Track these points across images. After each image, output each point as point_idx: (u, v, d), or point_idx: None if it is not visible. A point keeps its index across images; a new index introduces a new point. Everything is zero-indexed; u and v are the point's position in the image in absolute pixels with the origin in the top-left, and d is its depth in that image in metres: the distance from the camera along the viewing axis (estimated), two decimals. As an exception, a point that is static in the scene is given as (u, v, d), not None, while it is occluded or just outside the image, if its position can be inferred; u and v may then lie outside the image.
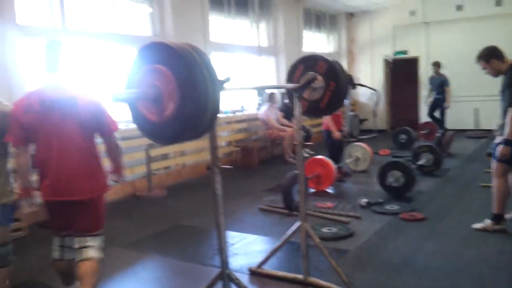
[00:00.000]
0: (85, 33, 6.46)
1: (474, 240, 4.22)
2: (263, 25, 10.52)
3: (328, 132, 7.13)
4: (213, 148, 2.50)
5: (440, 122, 10.75)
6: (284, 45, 10.74)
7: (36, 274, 4.00)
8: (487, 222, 4.42)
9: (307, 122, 9.47)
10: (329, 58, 3.27)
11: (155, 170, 7.09)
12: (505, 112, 4.14)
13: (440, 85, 10.58)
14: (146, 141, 5.97)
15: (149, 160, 6.78)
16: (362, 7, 12.86)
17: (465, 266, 3.67)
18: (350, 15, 13.77)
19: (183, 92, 2.03)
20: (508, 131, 4.06)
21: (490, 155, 6.26)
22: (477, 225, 4.48)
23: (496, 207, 4.35)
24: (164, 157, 7.44)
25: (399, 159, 6.52)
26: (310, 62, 3.29)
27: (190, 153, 7.91)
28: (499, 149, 4.17)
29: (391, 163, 6.08)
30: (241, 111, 9.38)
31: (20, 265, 4.15)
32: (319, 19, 12.99)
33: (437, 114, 10.77)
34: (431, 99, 10.71)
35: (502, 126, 4.22)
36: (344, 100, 3.41)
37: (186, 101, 2.03)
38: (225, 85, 2.22)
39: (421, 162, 7.17)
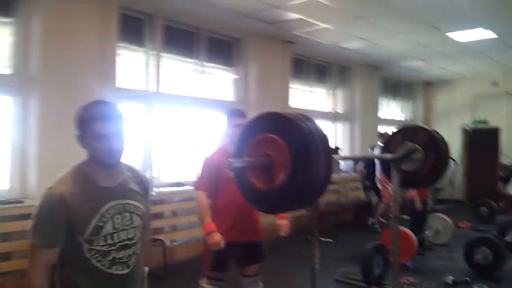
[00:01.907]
0: (176, 97, 6.83)
1: None
2: (340, 93, 10.62)
3: (412, 202, 6.87)
4: (314, 219, 2.45)
5: None
6: (360, 112, 10.73)
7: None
8: None
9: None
10: (430, 128, 3.19)
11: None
12: None
13: None
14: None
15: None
16: (441, 76, 12.68)
17: None
18: (428, 84, 13.60)
19: (296, 162, 2.03)
20: None
21: None
22: None
23: None
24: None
25: (488, 235, 6.11)
26: (409, 132, 3.22)
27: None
28: None
29: (480, 238, 5.71)
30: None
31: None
32: (396, 87, 12.93)
33: None
34: None
35: None
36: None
37: (298, 171, 2.02)
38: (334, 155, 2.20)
39: (508, 238, 6.68)
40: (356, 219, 9.31)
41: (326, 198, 9.54)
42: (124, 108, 5.96)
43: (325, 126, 10.15)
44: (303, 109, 9.28)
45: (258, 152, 2.15)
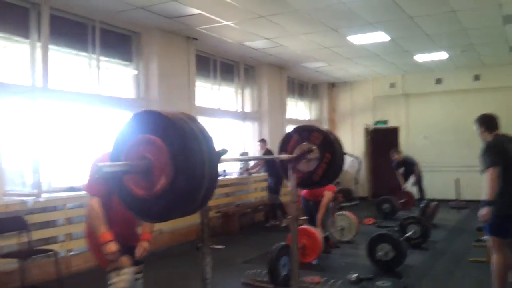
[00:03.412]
0: (67, 94, 6.28)
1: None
2: (247, 92, 10.58)
3: (307, 200, 6.97)
4: (205, 226, 2.26)
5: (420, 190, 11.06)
6: (268, 111, 10.76)
7: None
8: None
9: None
10: (324, 129, 3.14)
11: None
12: None
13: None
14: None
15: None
16: (343, 78, 13.16)
17: None
18: (332, 85, 14.04)
19: (177, 165, 1.82)
20: (488, 192, 4.02)
21: (480, 229, 6.16)
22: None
23: (496, 286, 4.14)
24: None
25: (388, 232, 6.31)
26: (304, 133, 3.15)
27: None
28: (481, 212, 4.10)
29: (380, 235, 5.85)
30: (223, 175, 9.15)
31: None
32: (302, 88, 13.21)
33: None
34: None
35: None
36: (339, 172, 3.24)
37: (180, 175, 1.82)
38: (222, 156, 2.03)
39: (408, 234, 6.98)
40: (267, 219, 9.30)
41: (238, 199, 9.48)
42: (4, 105, 5.44)
43: (233, 125, 10.05)
44: (210, 108, 9.10)
45: (136, 155, 1.92)
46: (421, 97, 12.67)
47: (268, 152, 9.39)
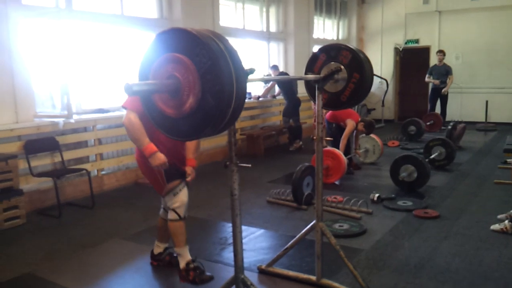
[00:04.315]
0: (90, 14, 6.21)
1: (494, 242, 4.05)
2: (273, 10, 10.24)
3: (330, 123, 6.96)
4: (232, 144, 2.30)
5: (442, 112, 11.00)
6: (294, 31, 10.48)
7: (34, 266, 3.83)
8: (506, 223, 4.24)
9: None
10: (354, 47, 3.04)
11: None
12: None
13: (444, 74, 10.70)
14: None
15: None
16: (374, -7, 12.56)
17: (486, 270, 3.50)
18: (362, 1, 13.45)
19: (205, 85, 1.82)
20: None
21: (509, 151, 6.10)
22: (496, 226, 4.30)
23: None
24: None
25: (412, 153, 6.33)
26: (332, 52, 3.06)
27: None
28: None
29: (404, 157, 5.88)
30: (249, 97, 9.13)
31: (16, 256, 4.02)
32: (330, 5, 12.68)
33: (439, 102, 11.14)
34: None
35: None
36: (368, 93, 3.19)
37: (208, 94, 1.83)
38: (249, 76, 2.02)
39: (433, 156, 6.98)
40: (290, 142, 9.39)
41: (263, 121, 9.53)
42: (32, 26, 5.43)
43: (258, 46, 9.86)
44: (234, 28, 8.90)
45: (165, 74, 1.92)
46: (455, 14, 12.06)
47: (282, 75, 9.14)
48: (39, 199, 5.44)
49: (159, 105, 1.97)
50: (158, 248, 3.76)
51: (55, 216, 5.14)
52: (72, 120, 5.60)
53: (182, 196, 3.34)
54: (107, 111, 6.37)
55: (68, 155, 5.75)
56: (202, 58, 1.81)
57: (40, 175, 5.31)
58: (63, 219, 5.09)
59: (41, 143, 5.42)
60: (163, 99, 1.95)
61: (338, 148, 6.64)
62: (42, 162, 5.49)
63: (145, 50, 2.00)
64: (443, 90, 10.81)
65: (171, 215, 3.36)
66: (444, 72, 10.82)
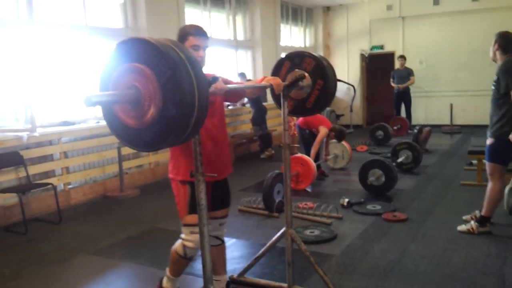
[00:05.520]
0: (53, 25, 6.08)
1: (460, 243, 4.13)
2: (239, 19, 10.28)
3: (302, 130, 7.01)
4: (197, 154, 2.28)
5: (407, 115, 11.34)
6: (261, 38, 10.53)
7: (0, 285, 3.70)
8: (473, 224, 4.33)
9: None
10: (317, 55, 3.07)
11: (127, 169, 6.81)
12: (496, 103, 3.99)
13: (406, 76, 11.04)
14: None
15: (121, 158, 6.48)
16: (339, 0, 12.74)
17: (453, 270, 3.57)
18: (327, 9, 13.65)
19: (166, 94, 1.80)
20: None
21: (474, 153, 6.25)
22: (463, 227, 4.39)
23: (485, 210, 4.25)
24: (137, 155, 7.10)
25: (380, 157, 6.42)
26: (296, 59, 3.08)
27: (164, 151, 7.59)
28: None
29: (372, 161, 5.96)
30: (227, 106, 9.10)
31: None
32: (296, 13, 12.82)
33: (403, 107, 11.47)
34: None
35: (493, 123, 4.06)
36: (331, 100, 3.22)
37: (170, 103, 1.80)
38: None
39: (400, 159, 7.10)
40: (262, 150, 9.39)
41: (233, 129, 9.50)
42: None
43: (226, 54, 9.86)
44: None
45: (124, 85, 1.89)
46: (418, 20, 12.36)
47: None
48: (4, 216, 5.28)
49: (120, 116, 1.94)
50: (219, 283, 3.17)
51: (21, 232, 4.98)
52: (36, 134, 5.46)
53: (196, 238, 2.76)
54: (72, 123, 6.24)
55: (33, 169, 5.59)
56: (162, 67, 1.79)
57: (5, 191, 5.15)
58: (30, 236, 4.94)
59: (5, 157, 5.26)
60: (124, 109, 1.92)
61: (309, 154, 6.68)
62: (7, 177, 5.32)
63: (105, 60, 1.97)
64: (400, 86, 11.12)
65: (179, 248, 2.96)
66: (405, 74, 11.15)
